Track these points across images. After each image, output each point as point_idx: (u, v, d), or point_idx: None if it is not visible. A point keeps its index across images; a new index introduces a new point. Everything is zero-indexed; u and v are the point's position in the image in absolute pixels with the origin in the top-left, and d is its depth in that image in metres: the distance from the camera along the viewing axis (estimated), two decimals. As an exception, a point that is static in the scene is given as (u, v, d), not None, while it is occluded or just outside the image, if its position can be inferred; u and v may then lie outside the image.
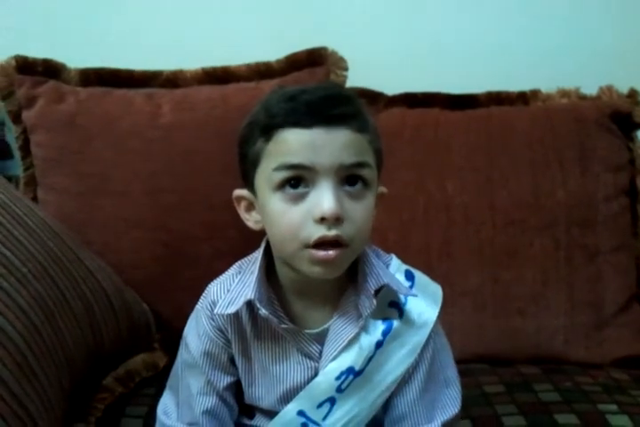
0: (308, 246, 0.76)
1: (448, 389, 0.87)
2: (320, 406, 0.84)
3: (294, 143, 0.75)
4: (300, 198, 0.76)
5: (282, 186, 0.76)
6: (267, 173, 0.77)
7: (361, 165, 0.77)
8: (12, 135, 1.39)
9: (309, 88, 0.79)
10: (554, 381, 1.19)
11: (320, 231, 0.75)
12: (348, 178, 0.77)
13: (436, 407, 0.86)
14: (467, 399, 1.08)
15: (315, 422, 0.84)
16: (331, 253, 0.75)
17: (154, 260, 1.28)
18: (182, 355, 0.90)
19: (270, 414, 0.87)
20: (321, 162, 0.75)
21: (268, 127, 0.77)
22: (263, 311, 0.80)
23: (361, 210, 0.77)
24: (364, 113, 0.80)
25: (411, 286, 0.87)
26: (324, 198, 0.74)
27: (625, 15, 1.56)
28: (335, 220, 0.74)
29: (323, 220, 0.74)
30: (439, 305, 0.87)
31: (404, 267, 0.89)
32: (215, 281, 0.88)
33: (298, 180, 0.76)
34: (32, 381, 0.88)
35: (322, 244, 0.75)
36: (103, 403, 1.08)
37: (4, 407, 0.81)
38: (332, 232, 0.75)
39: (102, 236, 1.27)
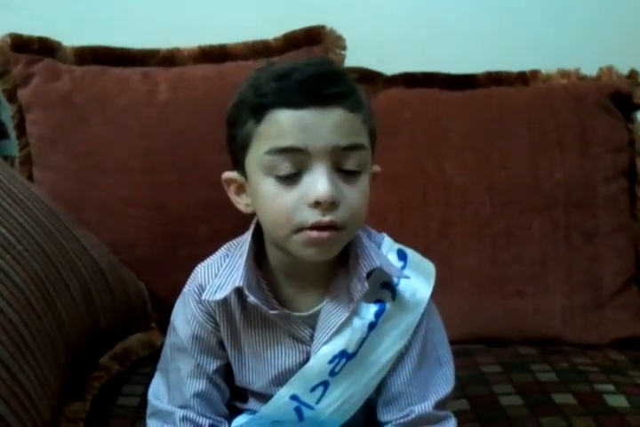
0: (301, 229, 0.74)
1: (441, 368, 0.86)
2: (313, 389, 0.83)
3: (286, 125, 0.73)
4: (293, 182, 0.74)
5: (274, 172, 0.74)
6: (258, 156, 0.75)
7: (355, 146, 0.75)
8: (7, 114, 1.38)
9: (300, 65, 0.76)
10: (551, 361, 1.20)
11: (314, 217, 0.73)
12: (343, 163, 0.75)
13: (430, 387, 0.85)
14: (464, 379, 1.10)
15: (308, 406, 0.84)
16: (325, 233, 0.74)
17: (151, 239, 1.27)
18: (171, 338, 0.89)
19: (263, 397, 0.87)
20: (314, 144, 0.73)
21: (258, 107, 0.74)
22: (252, 299, 0.79)
23: (356, 193, 0.76)
24: (358, 91, 0.77)
25: (403, 266, 0.85)
26: (318, 182, 0.73)
27: (626, -5, 1.55)
28: (330, 204, 0.73)
29: (317, 204, 0.73)
30: (432, 283, 0.86)
31: (397, 246, 0.88)
32: (202, 264, 0.87)
33: (292, 166, 0.74)
34: (28, 357, 0.88)
35: (315, 228, 0.74)
36: (99, 381, 1.09)
37: (0, 384, 0.81)
38: (327, 218, 0.73)
39: (99, 215, 1.26)
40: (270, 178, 0.75)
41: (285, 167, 0.74)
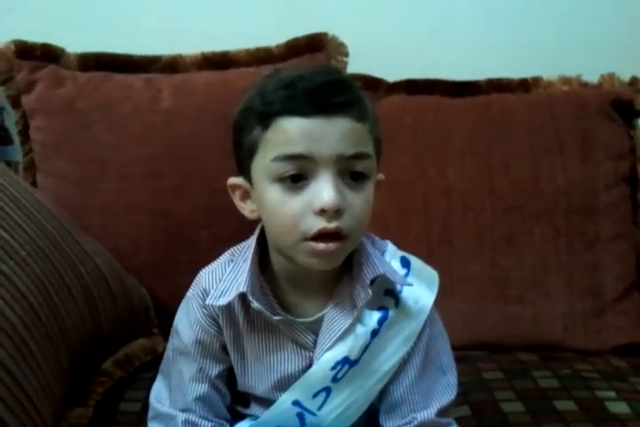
0: (307, 239, 0.75)
1: (444, 376, 0.87)
2: (315, 395, 0.83)
3: (293, 132, 0.73)
4: (299, 189, 0.74)
5: (280, 178, 0.75)
6: (264, 163, 0.76)
7: (361, 155, 0.75)
8: (11, 120, 1.39)
9: (307, 73, 0.76)
10: (552, 367, 1.20)
11: (320, 224, 0.74)
12: (349, 173, 0.75)
13: (433, 394, 0.85)
14: (465, 386, 1.10)
15: (310, 412, 0.84)
16: (331, 245, 0.74)
17: (153, 245, 1.28)
18: (173, 342, 0.89)
19: (265, 402, 0.87)
20: (320, 152, 0.73)
21: (265, 115, 0.75)
22: (256, 305, 0.79)
23: (360, 201, 0.76)
24: (364, 100, 0.78)
25: (407, 273, 0.86)
26: (323, 190, 0.73)
27: (627, 2, 1.55)
28: (335, 212, 0.73)
29: (323, 212, 0.73)
30: (435, 291, 0.86)
31: (400, 253, 0.88)
32: (206, 269, 0.87)
33: (298, 175, 0.74)
34: (30, 363, 0.88)
35: (321, 236, 0.74)
36: (102, 387, 1.09)
37: (3, 389, 0.81)
38: (333, 224, 0.74)
39: (101, 221, 1.27)
40: (276, 185, 0.75)
41: (292, 174, 0.74)
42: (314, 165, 0.74)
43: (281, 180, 0.75)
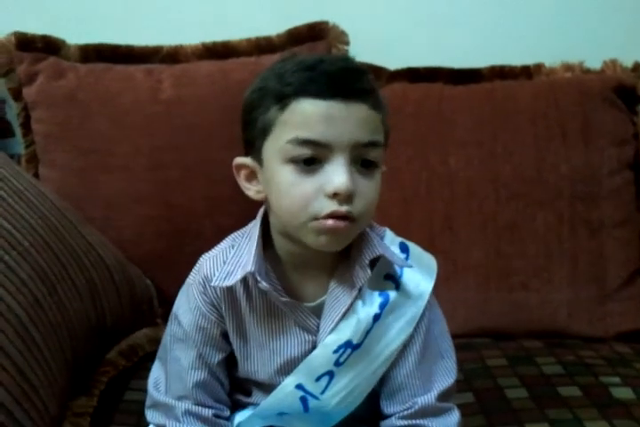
0: (316, 218, 0.75)
1: (444, 360, 0.87)
2: (318, 379, 0.83)
3: (311, 115, 0.74)
4: (312, 172, 0.75)
5: (294, 160, 0.75)
6: (279, 144, 0.75)
7: (374, 144, 0.76)
8: (12, 113, 1.39)
9: (327, 58, 0.77)
10: (556, 354, 1.20)
11: (331, 207, 0.74)
12: (361, 160, 0.76)
13: (433, 378, 0.85)
14: (469, 373, 1.10)
15: (313, 396, 0.84)
16: (340, 223, 0.75)
17: (156, 235, 1.28)
18: (172, 328, 0.89)
19: (268, 388, 0.87)
20: (337, 138, 0.74)
21: (283, 95, 0.75)
22: (264, 284, 0.79)
23: (370, 187, 0.77)
24: (379, 91, 0.79)
25: (405, 258, 0.86)
26: (337, 174, 0.74)
27: (630, -13, 1.54)
28: (347, 196, 0.74)
29: (335, 195, 0.74)
30: (434, 276, 0.86)
31: (398, 239, 0.88)
32: (207, 255, 0.86)
33: (312, 158, 0.75)
34: (34, 352, 0.88)
35: (332, 217, 0.75)
36: (107, 376, 1.09)
37: (7, 379, 0.82)
38: (344, 208, 0.74)
39: (104, 212, 1.27)
40: (289, 166, 0.75)
41: (306, 157, 0.74)
42: (329, 150, 0.74)
43: (294, 161, 0.75)
